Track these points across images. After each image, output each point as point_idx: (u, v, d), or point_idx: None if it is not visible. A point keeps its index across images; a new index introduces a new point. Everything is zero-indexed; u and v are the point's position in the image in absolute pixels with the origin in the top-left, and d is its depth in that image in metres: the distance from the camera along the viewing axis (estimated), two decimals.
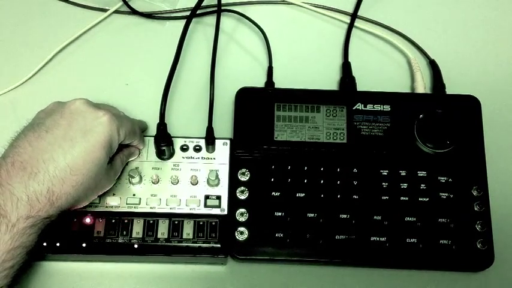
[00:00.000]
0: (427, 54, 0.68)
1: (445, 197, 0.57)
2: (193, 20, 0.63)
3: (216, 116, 0.60)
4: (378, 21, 0.70)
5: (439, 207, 0.57)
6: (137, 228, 0.55)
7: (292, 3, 0.71)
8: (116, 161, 0.55)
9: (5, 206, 0.45)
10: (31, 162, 0.47)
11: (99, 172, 0.50)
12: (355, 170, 0.58)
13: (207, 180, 0.57)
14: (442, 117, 0.60)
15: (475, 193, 0.58)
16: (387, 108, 0.61)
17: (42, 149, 0.48)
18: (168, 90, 0.55)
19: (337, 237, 0.56)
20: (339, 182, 0.58)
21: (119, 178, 0.57)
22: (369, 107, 0.61)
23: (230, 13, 0.69)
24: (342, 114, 0.60)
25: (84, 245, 0.55)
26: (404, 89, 0.66)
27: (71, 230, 0.55)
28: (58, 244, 0.55)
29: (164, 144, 0.56)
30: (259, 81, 0.65)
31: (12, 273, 0.47)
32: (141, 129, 0.58)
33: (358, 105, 0.61)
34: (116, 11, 0.70)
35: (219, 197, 0.57)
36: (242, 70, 0.67)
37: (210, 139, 0.58)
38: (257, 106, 0.61)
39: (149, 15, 0.70)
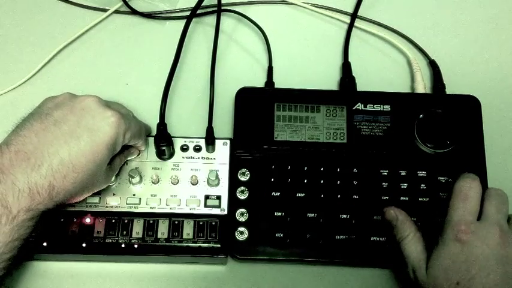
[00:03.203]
0: (427, 54, 0.68)
1: (445, 197, 0.57)
2: (193, 20, 0.63)
3: (216, 116, 0.60)
4: (378, 21, 0.70)
5: (439, 207, 0.57)
6: (137, 228, 0.55)
7: (292, 3, 0.71)
8: (116, 160, 0.55)
9: (6, 197, 0.45)
10: (35, 153, 0.47)
11: (99, 171, 0.51)
12: (355, 170, 0.58)
13: (207, 180, 0.57)
14: (442, 117, 0.60)
15: None
16: (387, 108, 0.61)
17: (48, 142, 0.47)
18: (168, 90, 0.55)
19: (337, 237, 0.56)
20: (339, 182, 0.58)
21: (119, 178, 0.57)
22: (369, 107, 0.61)
23: (230, 13, 0.69)
24: (342, 114, 0.60)
25: (84, 245, 0.55)
26: (404, 89, 0.66)
27: (71, 230, 0.55)
28: (58, 244, 0.55)
29: (164, 144, 0.57)
30: (259, 81, 0.65)
31: (9, 265, 0.47)
32: (146, 132, 0.58)
33: (358, 105, 0.61)
34: (116, 11, 0.70)
35: (219, 197, 0.57)
36: (242, 70, 0.67)
37: (210, 139, 0.58)
38: (257, 106, 0.61)
39: (149, 15, 0.70)
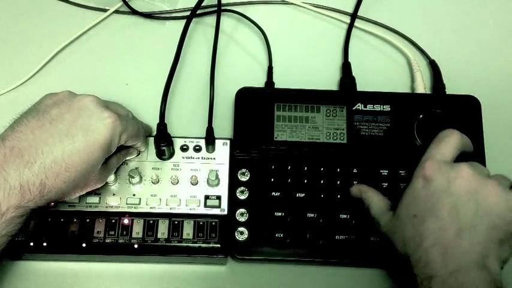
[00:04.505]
0: (427, 54, 0.68)
1: None
2: (193, 20, 0.63)
3: (216, 116, 0.60)
4: (378, 21, 0.70)
5: None
6: (137, 228, 0.55)
7: (292, 3, 0.71)
8: (112, 160, 0.55)
9: None
10: (29, 151, 0.47)
11: (93, 171, 0.50)
12: (355, 170, 0.58)
13: (207, 180, 0.57)
14: (442, 117, 0.60)
15: None
16: (387, 108, 0.61)
17: (43, 140, 0.47)
18: (168, 90, 0.55)
19: (337, 237, 0.56)
20: (339, 182, 0.58)
21: (119, 178, 0.57)
22: (369, 107, 0.61)
23: (230, 13, 0.69)
24: (342, 114, 0.60)
25: (84, 245, 0.55)
26: (405, 89, 0.66)
27: (71, 230, 0.55)
28: (58, 244, 0.55)
29: (164, 144, 0.57)
30: (259, 81, 0.65)
31: None
32: (145, 133, 0.58)
33: (358, 105, 0.61)
34: (116, 11, 0.70)
35: (219, 197, 0.57)
36: (242, 70, 0.67)
37: (210, 139, 0.58)
38: (257, 106, 0.61)
39: (149, 15, 0.70)
